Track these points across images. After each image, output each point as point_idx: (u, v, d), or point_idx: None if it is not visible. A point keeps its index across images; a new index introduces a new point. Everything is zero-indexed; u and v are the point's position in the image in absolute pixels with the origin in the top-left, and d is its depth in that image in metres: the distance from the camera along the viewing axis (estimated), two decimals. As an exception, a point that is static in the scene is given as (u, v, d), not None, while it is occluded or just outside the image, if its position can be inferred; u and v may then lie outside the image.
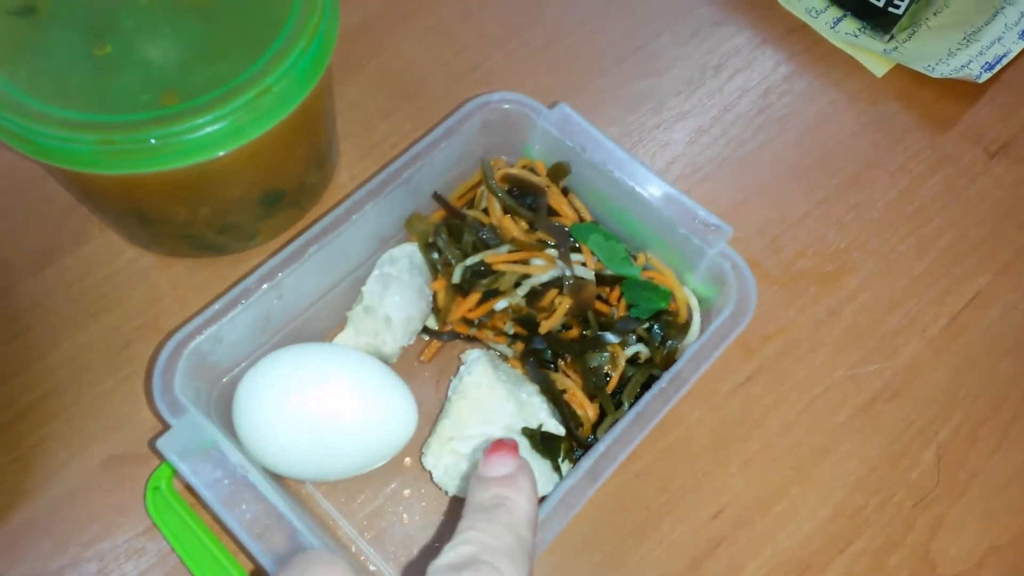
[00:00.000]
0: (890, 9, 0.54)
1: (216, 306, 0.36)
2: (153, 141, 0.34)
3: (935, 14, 0.58)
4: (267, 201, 0.44)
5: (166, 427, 0.34)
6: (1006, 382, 0.45)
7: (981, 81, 0.53)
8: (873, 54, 0.56)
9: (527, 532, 0.25)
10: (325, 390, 0.38)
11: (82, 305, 0.44)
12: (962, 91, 0.54)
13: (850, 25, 0.57)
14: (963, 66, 0.54)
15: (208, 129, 0.35)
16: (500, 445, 0.27)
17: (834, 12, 0.57)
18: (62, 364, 0.43)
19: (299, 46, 0.37)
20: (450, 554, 0.24)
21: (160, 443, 0.34)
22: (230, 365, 0.39)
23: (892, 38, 0.56)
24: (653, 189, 0.41)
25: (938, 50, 0.55)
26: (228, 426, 0.38)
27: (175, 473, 0.39)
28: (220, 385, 0.39)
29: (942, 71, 0.54)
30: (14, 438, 0.41)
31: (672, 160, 0.51)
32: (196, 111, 0.35)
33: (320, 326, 0.42)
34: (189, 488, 0.39)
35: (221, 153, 0.36)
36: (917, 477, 0.43)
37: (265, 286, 0.37)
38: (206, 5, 0.38)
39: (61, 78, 0.36)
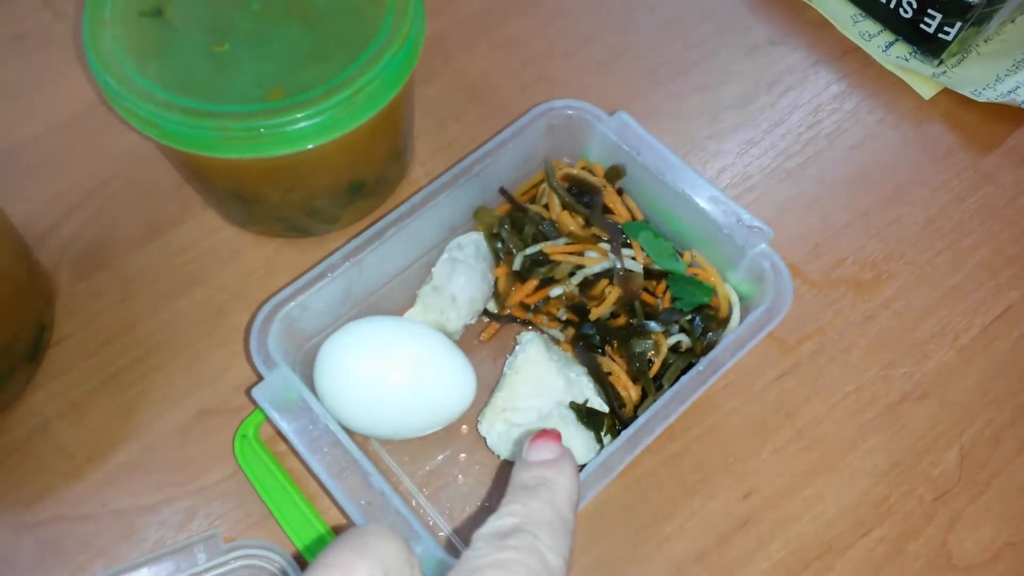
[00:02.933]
0: (940, 35, 0.57)
1: (306, 277, 0.41)
2: (262, 131, 0.40)
3: (985, 41, 0.60)
4: (351, 190, 0.49)
5: (259, 379, 0.39)
6: (1032, 390, 0.48)
7: (1026, 106, 0.56)
8: (922, 77, 0.58)
9: (568, 511, 0.27)
10: (395, 358, 0.42)
11: (183, 275, 0.50)
12: (1007, 116, 0.57)
13: (901, 49, 0.60)
14: (1010, 92, 0.57)
15: (308, 122, 0.40)
16: (545, 433, 0.29)
17: (887, 36, 0.60)
18: (163, 326, 0.48)
19: (390, 52, 0.42)
20: (494, 523, 0.25)
21: (255, 392, 0.38)
22: (314, 332, 0.44)
23: (941, 63, 0.58)
24: (701, 192, 0.44)
25: (986, 75, 0.58)
26: (309, 385, 0.43)
27: (261, 424, 0.44)
28: (305, 349, 0.44)
29: (988, 96, 0.56)
30: (119, 387, 0.47)
31: (723, 169, 0.55)
32: (299, 106, 0.40)
33: (393, 302, 0.46)
34: (273, 438, 0.44)
35: (317, 144, 0.41)
36: (939, 474, 0.45)
37: (348, 262, 0.42)
38: (310, 13, 0.43)
39: (184, 72, 0.41)
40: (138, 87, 0.40)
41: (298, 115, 0.40)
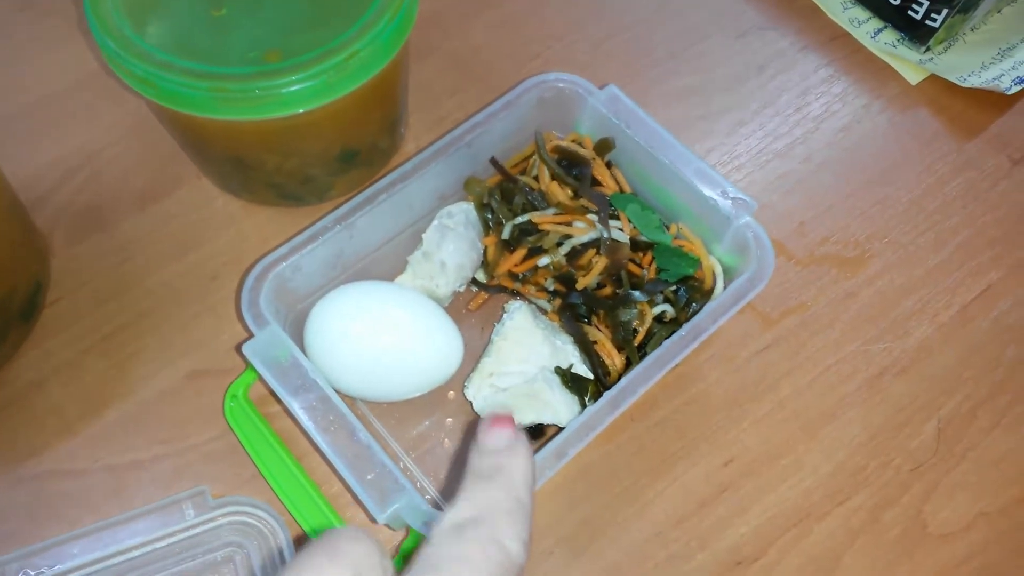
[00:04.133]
0: (927, 22, 0.58)
1: (298, 239, 0.42)
2: (257, 92, 0.40)
3: (972, 29, 0.61)
4: (343, 158, 0.49)
5: (250, 337, 0.40)
6: (1009, 367, 0.48)
7: (1010, 93, 0.57)
8: (909, 63, 0.59)
9: (525, 495, 0.26)
10: (385, 321, 0.43)
11: (178, 240, 0.50)
12: (991, 102, 0.58)
13: (890, 36, 0.61)
14: (994, 79, 0.57)
15: (302, 85, 0.41)
16: (499, 419, 0.28)
17: (875, 23, 0.61)
18: (158, 289, 0.49)
19: (384, 19, 0.43)
20: (452, 516, 0.25)
21: (245, 347, 0.39)
22: (305, 293, 0.44)
23: (928, 49, 0.59)
24: (687, 165, 0.45)
25: (972, 62, 0.59)
26: (299, 346, 0.43)
27: (251, 384, 0.45)
28: (296, 310, 0.44)
29: (973, 82, 0.57)
30: (114, 347, 0.47)
31: (712, 148, 0.56)
32: (294, 68, 0.41)
33: (384, 267, 0.47)
34: (262, 399, 0.45)
35: (311, 107, 0.42)
36: (916, 446, 0.46)
37: (340, 226, 0.43)
38: (308, -20, 0.44)
39: (182, 34, 0.42)
40: (137, 49, 0.41)
41: (293, 78, 0.41)
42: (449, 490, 0.44)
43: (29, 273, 0.46)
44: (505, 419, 0.28)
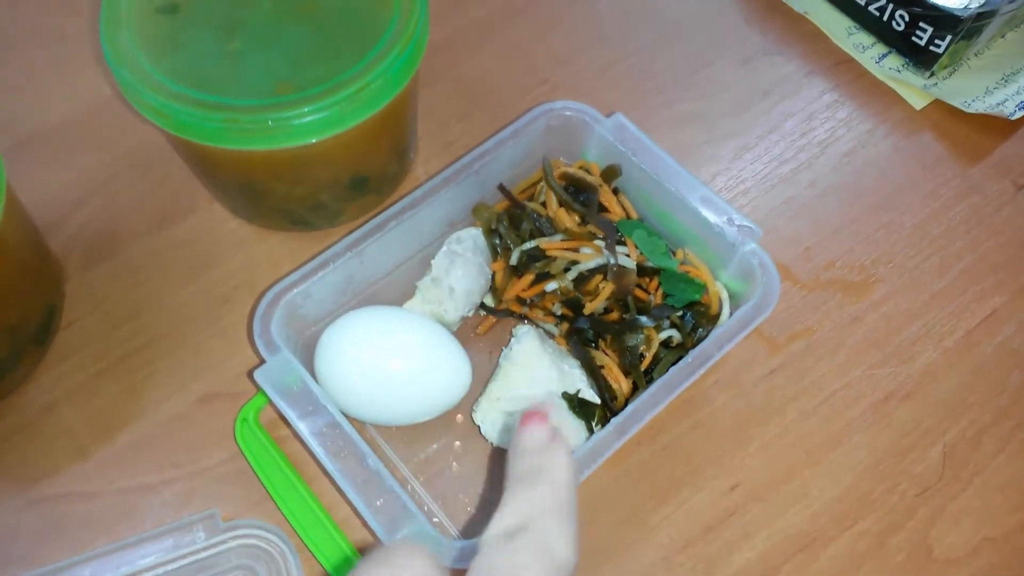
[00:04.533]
0: (931, 48, 0.58)
1: (309, 265, 0.43)
2: (270, 123, 0.41)
3: (976, 55, 0.62)
4: (353, 185, 0.50)
5: (261, 363, 0.40)
6: (1013, 393, 0.49)
7: (1014, 119, 0.57)
8: (913, 88, 0.60)
9: (568, 495, 0.26)
10: (394, 346, 0.44)
11: (190, 264, 0.51)
12: (996, 127, 0.58)
13: (894, 61, 0.61)
14: (998, 104, 0.58)
15: (314, 116, 0.42)
16: (532, 415, 0.28)
17: (880, 48, 0.62)
18: (170, 312, 0.50)
19: (395, 52, 0.43)
20: (499, 523, 0.25)
21: (257, 374, 0.40)
22: (316, 319, 0.45)
23: (933, 75, 0.60)
24: (693, 192, 0.46)
25: (976, 88, 0.59)
26: (310, 372, 0.44)
27: (262, 408, 0.45)
28: (306, 335, 0.45)
29: (977, 107, 0.58)
30: (126, 371, 0.48)
31: (717, 173, 0.56)
32: (305, 100, 0.42)
33: (393, 292, 0.48)
34: (272, 423, 0.46)
35: (322, 138, 0.43)
36: (922, 471, 0.46)
37: (350, 252, 0.44)
38: (319, 13, 0.45)
39: (196, 67, 0.43)
40: (152, 80, 0.42)
41: (305, 109, 0.41)
42: (458, 515, 0.44)
43: (43, 297, 0.47)
44: (539, 415, 0.28)
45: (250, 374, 0.45)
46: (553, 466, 0.27)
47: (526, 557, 0.24)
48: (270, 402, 0.41)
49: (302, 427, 0.39)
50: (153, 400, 0.47)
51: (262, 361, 0.41)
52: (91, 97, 0.57)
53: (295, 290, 0.42)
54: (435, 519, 0.44)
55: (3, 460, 0.45)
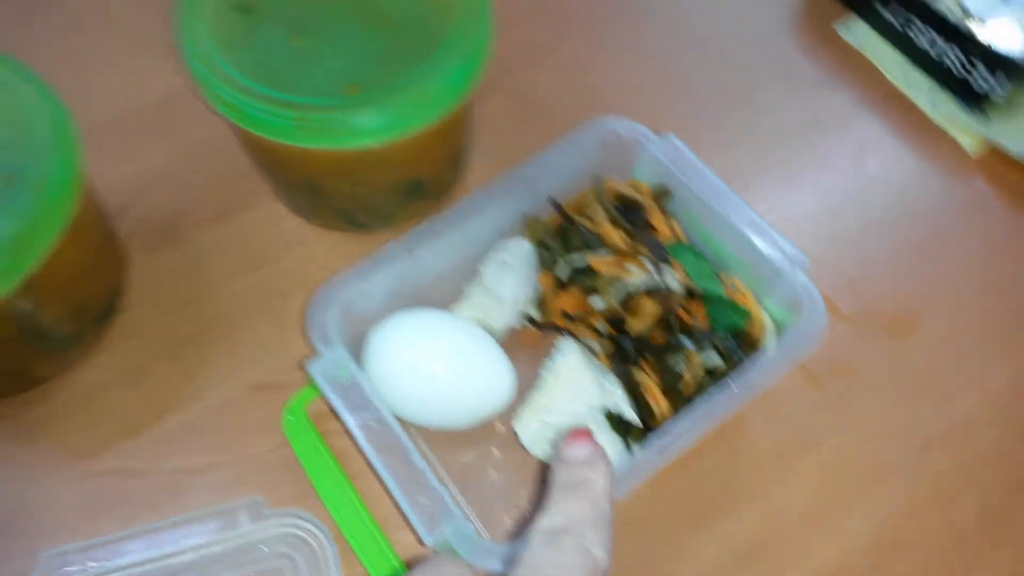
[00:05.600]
0: (987, 93, 0.59)
1: (364, 264, 0.44)
2: (336, 123, 0.43)
3: (1033, 101, 0.62)
4: (409, 189, 0.51)
5: (314, 355, 0.42)
6: (1057, 443, 0.48)
7: (1069, 166, 0.57)
8: (967, 131, 0.60)
9: (607, 506, 0.30)
10: (441, 349, 0.45)
11: (248, 257, 0.53)
12: (1049, 173, 0.58)
13: (948, 102, 0.61)
14: (1053, 151, 0.58)
15: (379, 118, 0.43)
16: (579, 433, 0.32)
17: (935, 88, 0.62)
18: (226, 302, 0.51)
19: (457, 61, 0.45)
20: (545, 521, 0.28)
21: (310, 366, 0.41)
22: (366, 316, 0.46)
23: (987, 119, 0.60)
24: (743, 218, 0.46)
25: (1031, 133, 0.59)
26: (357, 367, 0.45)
27: (309, 401, 0.46)
28: (356, 332, 0.46)
29: (1031, 153, 0.58)
30: (180, 355, 0.50)
31: (764, 200, 0.57)
32: (371, 102, 0.43)
33: (442, 296, 0.49)
34: (318, 416, 0.47)
35: (385, 140, 0.44)
36: (959, 519, 0.46)
37: (404, 254, 0.45)
38: (387, 19, 0.46)
39: (267, 64, 0.44)
40: (225, 74, 0.44)
41: (370, 111, 0.43)
42: (494, 521, 0.45)
43: (109, 279, 0.49)
44: (585, 433, 0.31)
45: (300, 367, 0.46)
46: (596, 479, 0.30)
47: (570, 557, 0.27)
48: (320, 395, 0.43)
49: (350, 420, 0.40)
50: (205, 385, 0.49)
51: (314, 354, 0.42)
52: (162, 88, 0.59)
53: (350, 287, 0.44)
54: (469, 523, 0.45)
55: (58, 433, 0.47)
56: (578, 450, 0.31)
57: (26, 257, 0.39)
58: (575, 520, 0.29)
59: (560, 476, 0.31)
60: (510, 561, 0.29)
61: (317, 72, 0.45)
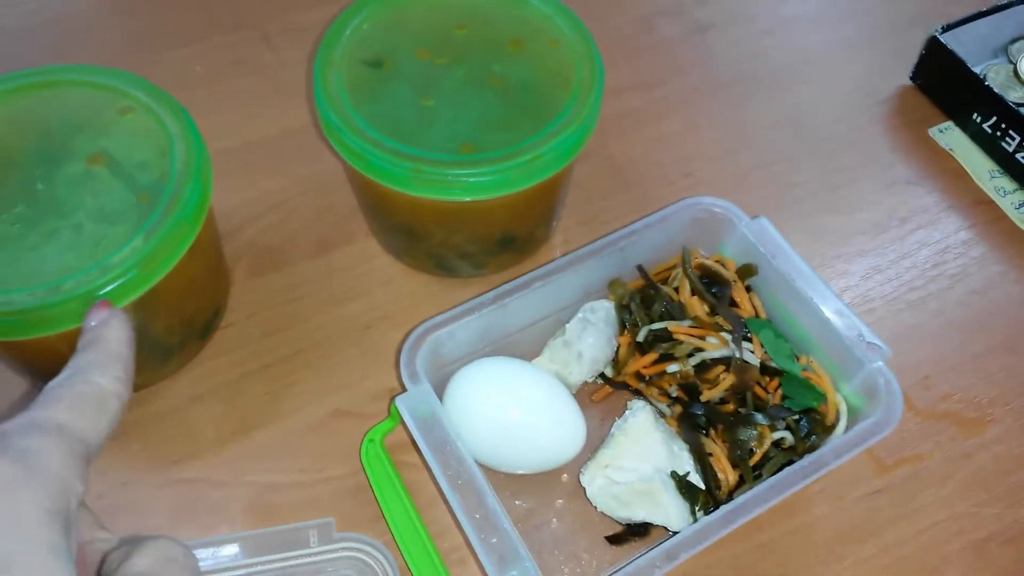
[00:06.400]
0: (1077, 202, 0.59)
1: (457, 309, 0.46)
2: (449, 177, 0.45)
3: (1121, 216, 0.62)
4: (503, 242, 0.54)
5: (401, 390, 0.44)
6: (1125, 559, 0.48)
7: None
8: (1052, 238, 0.60)
9: (121, 347, 0.36)
10: (518, 397, 0.46)
11: (341, 289, 0.56)
12: None
13: (1035, 209, 0.62)
14: None
15: (489, 177, 0.46)
16: (95, 305, 0.38)
17: (1021, 195, 0.63)
18: (317, 330, 0.54)
19: (568, 130, 0.47)
20: (53, 381, 0.33)
21: (399, 399, 0.43)
22: (452, 359, 0.48)
23: (1074, 228, 0.61)
24: (827, 303, 0.48)
25: (1118, 248, 0.60)
26: (439, 406, 0.47)
27: (388, 432, 0.49)
28: (440, 373, 0.48)
29: (1118, 267, 0.58)
30: (271, 377, 0.52)
31: (846, 288, 0.58)
32: (484, 162, 0.46)
33: (525, 347, 0.51)
34: (395, 448, 0.49)
35: (490, 197, 0.47)
36: (1018, 620, 0.46)
37: (495, 304, 0.47)
38: (506, 86, 0.49)
39: (392, 118, 0.48)
40: (353, 124, 0.47)
41: (482, 169, 0.46)
42: (552, 571, 0.46)
43: (214, 296, 0.52)
44: (102, 301, 0.38)
45: (381, 398, 0.48)
46: (107, 332, 0.36)
47: (62, 388, 0.32)
48: (403, 427, 0.45)
49: (432, 456, 0.42)
50: (291, 407, 0.51)
51: (402, 388, 0.44)
52: (279, 125, 0.63)
53: (442, 329, 0.46)
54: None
55: (150, 438, 0.50)
56: (95, 315, 0.37)
57: (153, 273, 0.42)
58: (77, 367, 0.33)
59: (77, 343, 0.35)
60: None
61: (437, 130, 0.48)
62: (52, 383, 0.32)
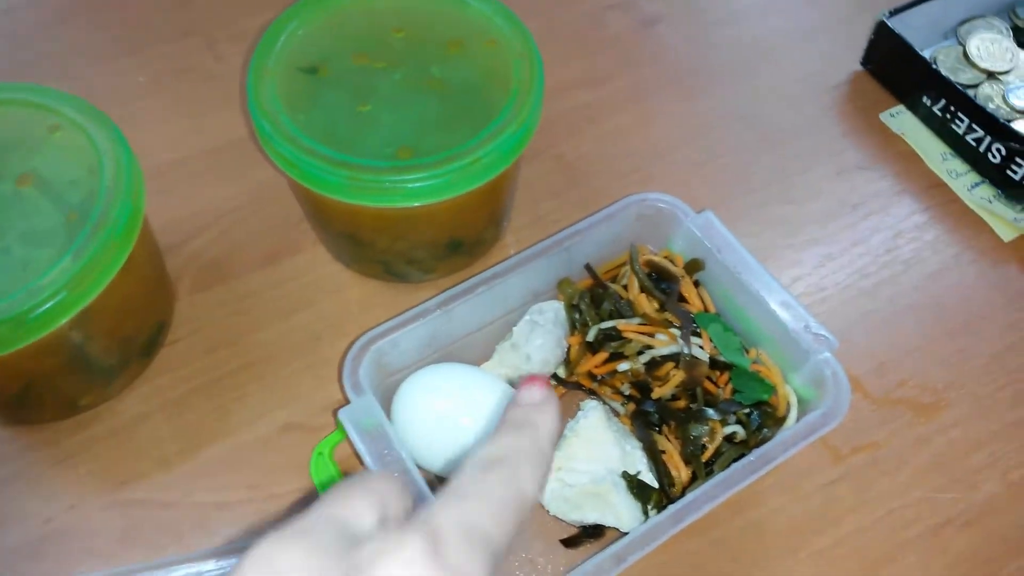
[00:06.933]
0: (1026, 182, 0.59)
1: (401, 317, 0.46)
2: (387, 184, 0.45)
3: (1072, 194, 0.62)
4: (450, 246, 0.53)
5: (345, 402, 0.43)
6: (1080, 538, 0.48)
7: (1106, 261, 0.57)
8: (1003, 220, 0.60)
9: (548, 448, 0.30)
10: (468, 403, 0.46)
11: (289, 300, 0.55)
12: (1086, 267, 0.58)
13: (986, 191, 0.62)
14: (1091, 245, 0.58)
15: (428, 182, 0.45)
16: (535, 378, 0.31)
17: (973, 177, 0.63)
18: (266, 343, 0.53)
19: (508, 131, 0.47)
20: (482, 452, 0.28)
21: (341, 413, 0.43)
22: (398, 368, 0.48)
23: (1024, 208, 0.61)
24: (773, 296, 0.47)
25: (1068, 226, 0.60)
26: (386, 416, 0.46)
27: (337, 444, 0.48)
28: (386, 383, 0.48)
29: (1068, 246, 0.58)
30: (218, 392, 0.51)
31: (798, 277, 0.58)
32: (422, 167, 0.45)
33: (473, 352, 0.50)
34: (344, 460, 0.48)
35: (430, 202, 0.46)
36: (975, 604, 0.46)
37: (440, 310, 0.47)
38: (444, 88, 0.49)
39: (328, 124, 0.47)
40: (287, 132, 0.46)
41: (419, 175, 0.45)
42: (500, 571, 0.46)
43: (156, 313, 0.51)
44: (541, 378, 0.31)
45: (333, 411, 0.48)
46: (540, 420, 0.30)
47: (496, 484, 0.26)
48: (347, 440, 0.44)
49: (375, 469, 0.41)
50: (240, 422, 0.50)
51: (347, 401, 0.43)
52: (222, 136, 0.62)
53: (385, 338, 0.45)
54: (484, 576, 0.46)
55: (97, 460, 0.49)
56: (533, 392, 0.31)
57: (84, 294, 0.41)
58: (512, 453, 0.28)
59: (508, 415, 0.30)
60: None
61: (374, 135, 0.47)
62: (482, 456, 0.27)
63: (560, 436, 0.48)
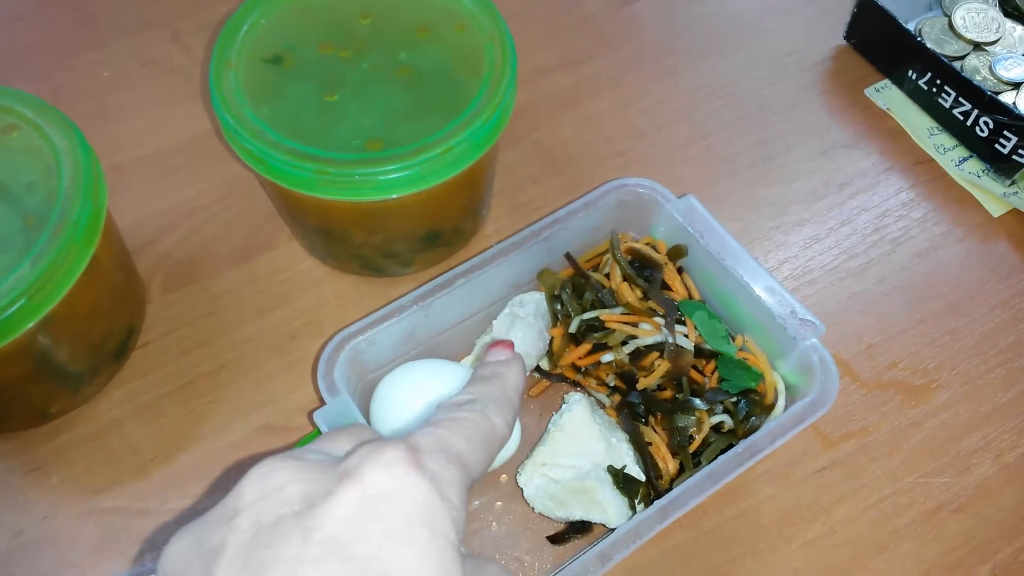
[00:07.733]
0: (1014, 157, 0.58)
1: (377, 314, 0.44)
2: (357, 177, 0.43)
3: (1061, 167, 0.61)
4: (427, 238, 0.52)
5: (321, 404, 0.42)
6: (1074, 519, 0.47)
7: (1096, 235, 0.56)
8: (992, 195, 0.59)
9: (514, 395, 0.32)
10: (447, 398, 0.45)
11: (264, 298, 0.53)
12: (1076, 242, 0.57)
13: (974, 166, 0.61)
14: (1081, 218, 0.57)
15: (399, 174, 0.44)
16: (499, 342, 0.35)
17: (961, 152, 0.62)
18: (241, 343, 0.52)
19: (480, 119, 0.45)
20: (454, 398, 0.31)
21: (316, 415, 0.41)
22: (376, 365, 0.46)
23: (1013, 183, 0.59)
24: (758, 281, 0.46)
25: (1058, 200, 0.59)
26: (365, 414, 0.45)
27: (315, 447, 0.47)
28: (365, 380, 0.46)
29: (1058, 220, 0.57)
30: (193, 395, 0.50)
31: (784, 260, 0.56)
32: (393, 158, 0.44)
33: (453, 347, 0.49)
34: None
35: (403, 194, 0.45)
36: (970, 589, 0.45)
37: (417, 306, 0.45)
38: (413, 77, 0.47)
39: (294, 117, 0.45)
40: (252, 126, 0.45)
41: (390, 167, 0.43)
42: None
43: (126, 317, 0.50)
44: (505, 342, 0.35)
45: (309, 411, 0.47)
46: (506, 371, 0.33)
47: (467, 416, 0.29)
48: (325, 443, 0.43)
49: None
50: (215, 426, 0.49)
51: (322, 402, 0.42)
52: (190, 131, 0.61)
53: (361, 336, 0.44)
54: None
55: (71, 468, 0.48)
56: (499, 353, 0.34)
57: (46, 299, 0.40)
58: (481, 396, 0.30)
59: (478, 372, 0.33)
60: None
61: (342, 126, 0.45)
62: (453, 401, 0.30)
63: (544, 432, 0.47)
